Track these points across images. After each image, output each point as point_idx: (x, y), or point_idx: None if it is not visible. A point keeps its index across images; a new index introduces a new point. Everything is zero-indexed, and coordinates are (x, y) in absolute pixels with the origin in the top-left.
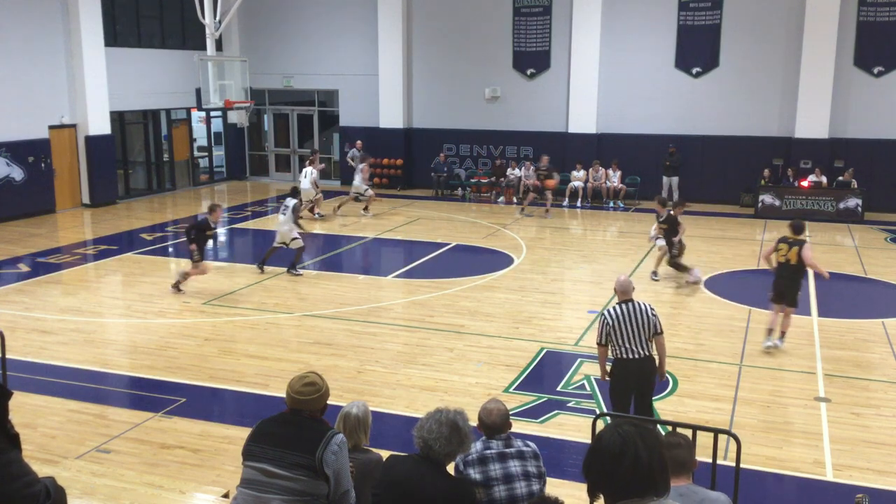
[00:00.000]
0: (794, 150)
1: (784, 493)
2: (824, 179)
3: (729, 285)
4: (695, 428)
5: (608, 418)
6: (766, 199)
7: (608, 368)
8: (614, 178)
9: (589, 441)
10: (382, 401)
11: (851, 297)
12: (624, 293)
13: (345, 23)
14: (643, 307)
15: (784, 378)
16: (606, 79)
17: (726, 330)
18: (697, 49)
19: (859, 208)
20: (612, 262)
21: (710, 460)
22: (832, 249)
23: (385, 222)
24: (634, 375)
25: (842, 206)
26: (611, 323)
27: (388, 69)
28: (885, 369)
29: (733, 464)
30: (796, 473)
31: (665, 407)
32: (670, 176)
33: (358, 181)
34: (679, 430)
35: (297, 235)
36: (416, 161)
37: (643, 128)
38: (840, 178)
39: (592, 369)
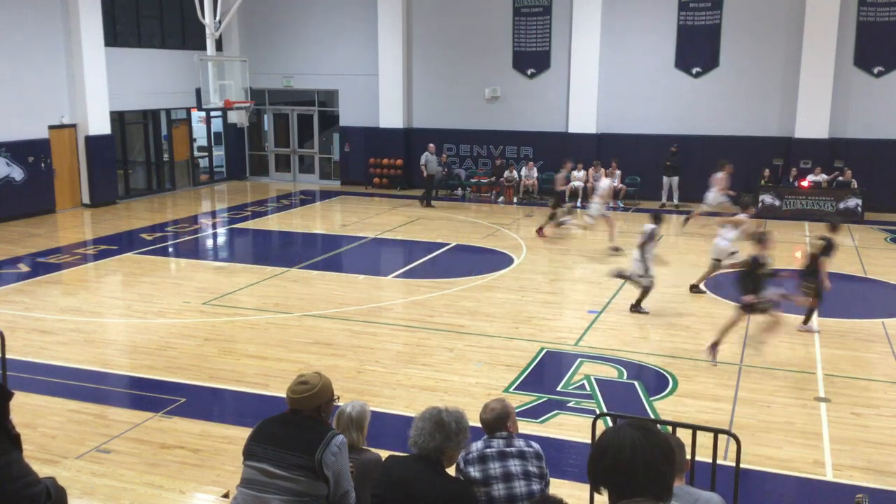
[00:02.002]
0: (794, 150)
1: (784, 493)
2: (824, 177)
3: (729, 286)
4: (694, 428)
5: (608, 418)
6: (767, 199)
7: None
8: (603, 181)
9: (589, 441)
10: (382, 401)
11: (851, 297)
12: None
13: (345, 23)
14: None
15: (784, 378)
16: (606, 79)
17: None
18: (697, 49)
19: (859, 208)
20: (612, 261)
21: (710, 460)
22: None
23: (385, 222)
24: None
25: (842, 206)
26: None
27: (388, 69)
28: (885, 369)
29: (733, 464)
30: (796, 473)
31: (665, 407)
32: (671, 176)
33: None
34: (679, 430)
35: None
36: (415, 161)
37: (643, 128)
38: (840, 177)
39: (592, 369)
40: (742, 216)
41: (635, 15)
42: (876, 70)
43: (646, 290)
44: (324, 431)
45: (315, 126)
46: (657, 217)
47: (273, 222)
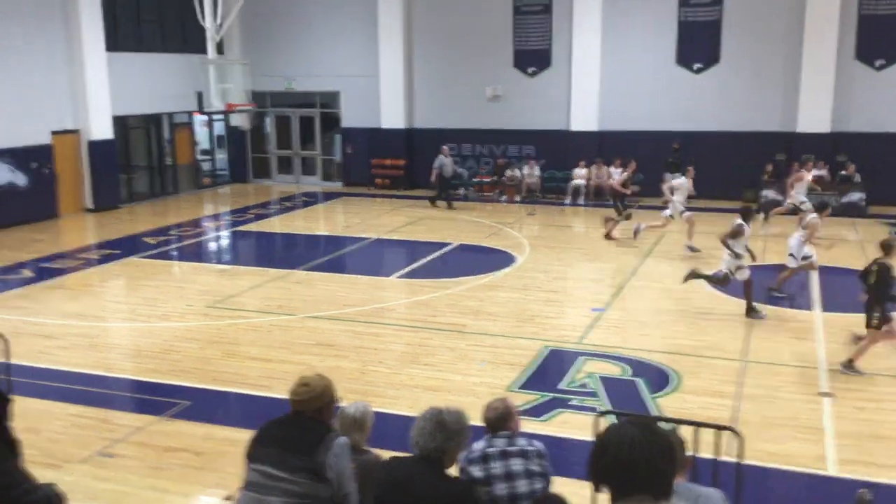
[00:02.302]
0: (796, 144)
1: (787, 489)
2: (826, 174)
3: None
4: (697, 424)
5: (611, 416)
6: (769, 194)
7: None
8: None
9: (591, 439)
10: (385, 401)
11: (855, 291)
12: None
13: (345, 23)
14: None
15: (787, 373)
16: (608, 76)
17: (729, 326)
18: (698, 45)
19: (863, 202)
20: (615, 258)
21: (712, 456)
22: (836, 244)
23: (388, 223)
24: None
25: (845, 200)
26: None
27: (389, 69)
28: (889, 363)
29: (736, 460)
30: (799, 469)
31: (668, 403)
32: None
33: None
34: (682, 426)
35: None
36: (417, 161)
37: (645, 125)
38: (843, 172)
39: (595, 367)
40: (813, 217)
41: (636, 12)
42: (878, 63)
43: (748, 286)
44: (325, 433)
45: (317, 128)
46: (745, 214)
47: (276, 224)
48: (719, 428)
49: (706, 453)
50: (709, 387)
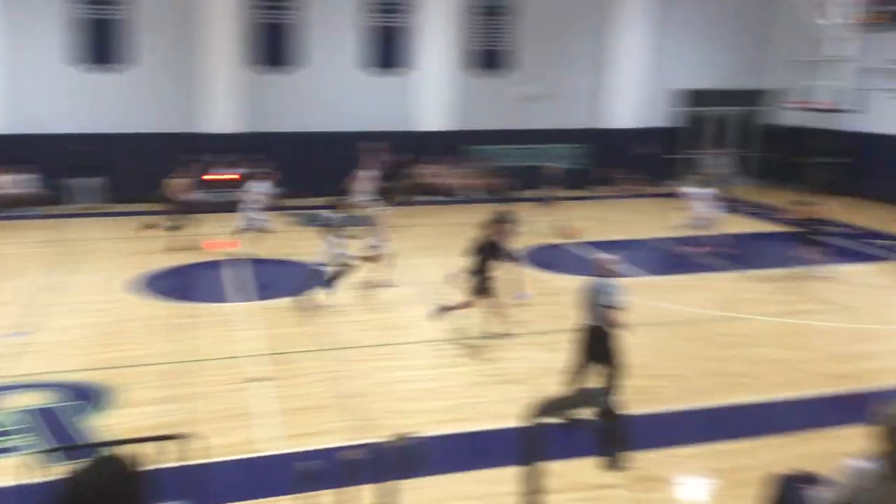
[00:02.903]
0: (205, 144)
1: (241, 478)
2: (240, 172)
3: (161, 285)
4: (145, 440)
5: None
6: (196, 195)
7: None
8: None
9: (32, 482)
10: None
11: (279, 277)
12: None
13: None
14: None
15: (227, 366)
16: (10, 76)
17: (158, 330)
18: (103, 45)
19: (279, 197)
20: (27, 275)
21: (165, 466)
22: (258, 238)
23: None
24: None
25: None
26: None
27: None
28: (314, 339)
29: (190, 462)
30: (246, 455)
31: (110, 422)
32: (88, 177)
33: None
34: (132, 445)
35: None
36: None
37: (53, 127)
38: (256, 170)
39: (24, 400)
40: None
41: (33, 8)
42: (272, 68)
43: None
44: None
45: None
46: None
47: None
48: (167, 438)
49: (161, 464)
50: (148, 395)
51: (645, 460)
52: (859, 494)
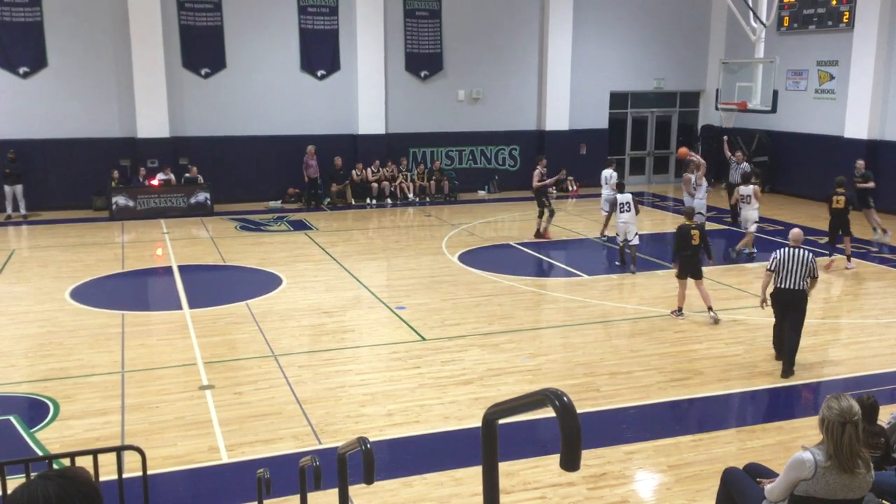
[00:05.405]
0: (139, 149)
1: (192, 488)
2: (173, 177)
3: (97, 293)
4: (96, 452)
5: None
6: (120, 200)
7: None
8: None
9: None
10: None
11: (215, 284)
12: (795, 241)
13: None
14: (806, 254)
15: (167, 375)
16: None
17: (102, 339)
18: (19, 47)
19: (209, 201)
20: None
21: (115, 478)
22: (190, 243)
23: None
24: (784, 302)
25: (192, 200)
26: (779, 258)
27: None
28: (255, 346)
29: (139, 474)
30: (198, 465)
31: (51, 436)
32: (13, 184)
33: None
34: (80, 459)
35: None
36: None
37: None
38: (187, 174)
39: None
40: None
41: None
42: (203, 72)
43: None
44: None
45: None
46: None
47: None
48: (119, 450)
49: (109, 476)
50: (91, 407)
51: (598, 457)
52: (802, 485)
